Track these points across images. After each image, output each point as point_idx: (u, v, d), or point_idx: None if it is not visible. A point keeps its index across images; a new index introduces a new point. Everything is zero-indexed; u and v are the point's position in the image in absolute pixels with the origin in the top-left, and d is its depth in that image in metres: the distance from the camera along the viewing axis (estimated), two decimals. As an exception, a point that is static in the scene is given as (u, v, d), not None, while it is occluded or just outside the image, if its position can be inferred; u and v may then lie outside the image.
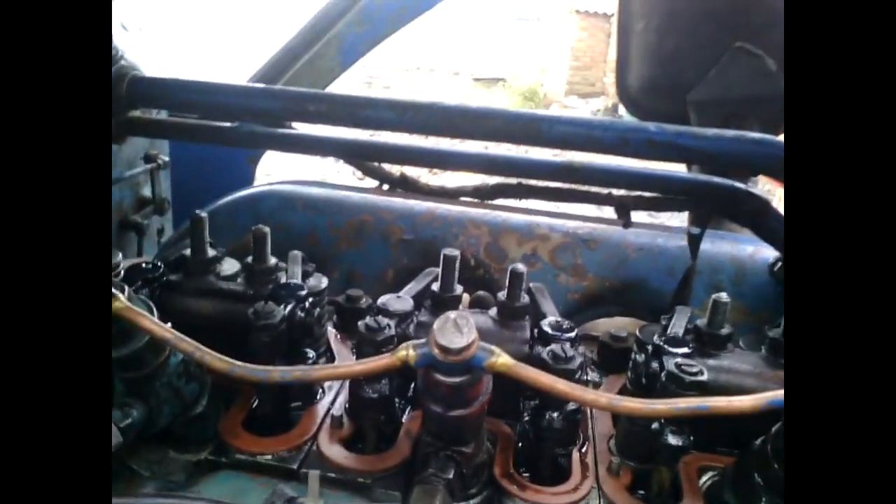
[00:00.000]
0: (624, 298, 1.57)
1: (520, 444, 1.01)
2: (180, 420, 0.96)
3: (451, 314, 0.77)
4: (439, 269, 1.14)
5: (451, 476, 0.85)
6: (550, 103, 17.07)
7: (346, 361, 1.15)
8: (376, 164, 1.57)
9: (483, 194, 1.46)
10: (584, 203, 1.34)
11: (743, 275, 1.51)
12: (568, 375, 0.91)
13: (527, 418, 0.98)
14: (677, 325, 1.08)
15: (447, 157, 1.25)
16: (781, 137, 1.07)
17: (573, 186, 1.26)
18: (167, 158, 1.95)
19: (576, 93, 17.22)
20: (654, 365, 0.99)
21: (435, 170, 1.38)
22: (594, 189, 1.26)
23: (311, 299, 1.10)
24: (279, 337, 1.01)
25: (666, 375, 0.93)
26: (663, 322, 1.11)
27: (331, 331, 1.25)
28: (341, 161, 1.41)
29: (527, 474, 0.98)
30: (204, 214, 1.15)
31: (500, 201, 1.50)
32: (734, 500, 0.89)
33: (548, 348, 0.97)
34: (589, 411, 1.08)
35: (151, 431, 0.93)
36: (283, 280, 1.14)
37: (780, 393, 0.73)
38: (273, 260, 1.17)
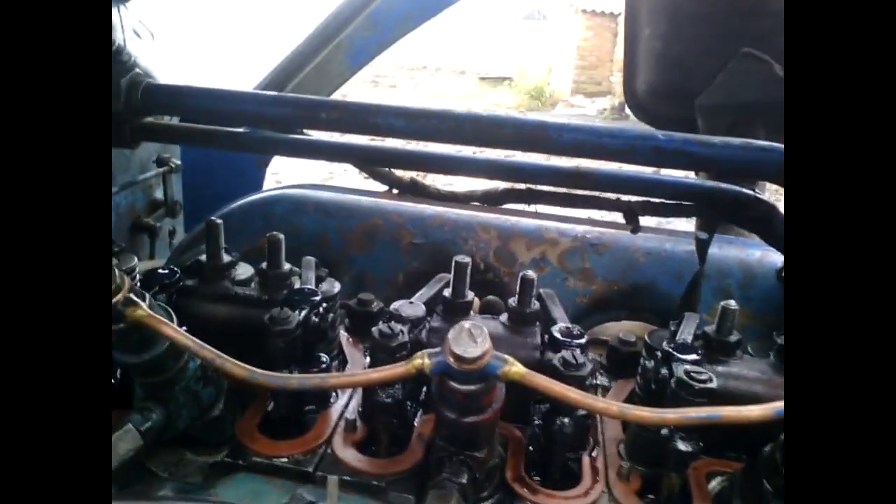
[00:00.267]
0: (632, 302, 1.57)
1: (531, 449, 1.02)
2: (197, 423, 0.98)
3: (466, 323, 0.78)
4: (450, 275, 1.16)
5: (464, 480, 0.86)
6: (556, 102, 17.07)
7: (362, 369, 1.17)
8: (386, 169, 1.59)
9: (492, 199, 1.48)
10: (593, 208, 1.35)
11: (751, 279, 1.52)
12: (579, 382, 0.93)
13: (538, 423, 0.99)
14: (686, 332, 1.09)
15: (457, 162, 1.26)
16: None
17: (581, 192, 1.28)
18: (179, 162, 1.97)
19: (582, 92, 17.21)
20: (664, 371, 1.00)
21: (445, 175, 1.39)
22: (602, 194, 1.27)
23: (324, 304, 1.11)
24: (294, 342, 1.03)
25: (675, 382, 0.94)
26: (672, 328, 1.12)
27: (342, 334, 1.27)
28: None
29: (538, 478, 0.99)
30: (219, 220, 1.17)
31: (509, 206, 1.51)
32: (743, 506, 0.90)
33: (558, 354, 0.99)
34: (599, 416, 1.09)
35: (170, 435, 0.95)
36: (297, 285, 1.15)
37: None
38: (287, 266, 1.18)
